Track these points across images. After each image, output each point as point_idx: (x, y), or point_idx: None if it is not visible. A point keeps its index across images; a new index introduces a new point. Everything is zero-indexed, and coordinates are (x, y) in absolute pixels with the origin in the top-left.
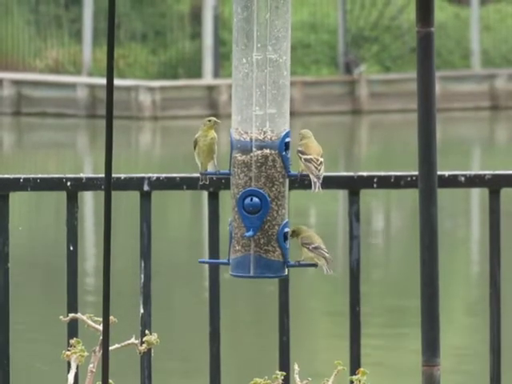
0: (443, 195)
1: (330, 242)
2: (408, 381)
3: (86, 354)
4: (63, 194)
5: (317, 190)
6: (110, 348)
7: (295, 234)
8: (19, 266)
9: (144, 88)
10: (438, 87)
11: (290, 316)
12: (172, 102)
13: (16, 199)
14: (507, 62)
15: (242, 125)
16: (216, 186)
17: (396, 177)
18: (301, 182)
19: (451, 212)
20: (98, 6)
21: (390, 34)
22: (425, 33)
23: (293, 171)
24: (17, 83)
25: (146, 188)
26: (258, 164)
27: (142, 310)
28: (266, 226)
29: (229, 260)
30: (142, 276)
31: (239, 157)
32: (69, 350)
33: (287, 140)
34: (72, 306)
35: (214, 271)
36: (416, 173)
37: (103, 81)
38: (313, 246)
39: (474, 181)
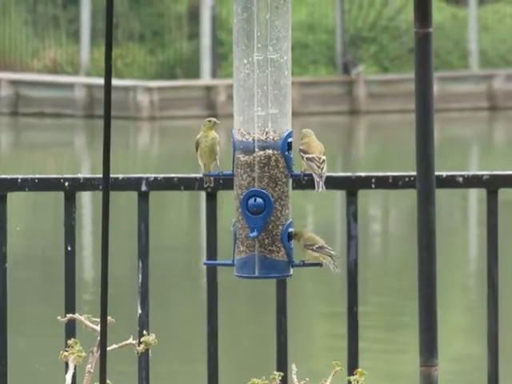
0: (441, 195)
1: (328, 243)
2: (406, 382)
3: (83, 354)
4: (61, 195)
5: (320, 189)
6: (108, 348)
7: (297, 237)
8: (17, 266)
9: (142, 88)
10: (436, 88)
11: (287, 316)
12: (170, 102)
13: (14, 199)
14: (505, 62)
15: (244, 125)
16: (214, 186)
17: (394, 177)
18: (299, 182)
19: (449, 212)
20: (95, 6)
21: (388, 34)
22: (423, 33)
23: (295, 170)
24: (15, 83)
25: (143, 188)
26: (261, 164)
27: (139, 311)
28: (270, 227)
29: (233, 261)
30: (140, 276)
31: (242, 157)
32: (67, 351)
33: (290, 140)
34: (70, 307)
35: (212, 271)
36: (414, 173)
37: (101, 81)
38: (317, 246)
39: (471, 181)
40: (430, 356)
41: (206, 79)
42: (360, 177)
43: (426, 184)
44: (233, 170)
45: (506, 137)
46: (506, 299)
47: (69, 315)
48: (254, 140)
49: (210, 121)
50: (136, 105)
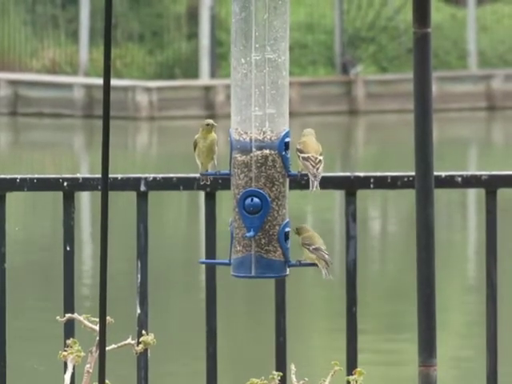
0: (440, 195)
1: (327, 243)
2: (405, 382)
3: (82, 354)
4: (60, 195)
5: (314, 189)
6: (107, 348)
7: (298, 232)
8: (16, 266)
9: (141, 88)
10: (435, 88)
11: (286, 316)
12: (169, 102)
13: (13, 199)
14: (504, 62)
15: (241, 125)
16: (213, 186)
17: (393, 177)
18: (297, 182)
19: (448, 212)
20: (94, 6)
21: (386, 34)
22: (421, 33)
23: (293, 170)
24: (13, 83)
25: (142, 188)
26: (258, 164)
27: (138, 311)
28: (267, 226)
29: (230, 260)
30: (139, 276)
31: (239, 157)
32: (65, 351)
33: (287, 140)
34: (69, 307)
35: (211, 271)
36: (413, 173)
37: (100, 81)
38: (313, 247)
39: (470, 181)
40: (429, 356)
41: (204, 79)
42: (359, 177)
43: (424, 184)
44: (230, 170)
45: (505, 137)
46: (505, 298)
47: (68, 315)
48: (251, 140)
49: (208, 124)
50: (135, 105)
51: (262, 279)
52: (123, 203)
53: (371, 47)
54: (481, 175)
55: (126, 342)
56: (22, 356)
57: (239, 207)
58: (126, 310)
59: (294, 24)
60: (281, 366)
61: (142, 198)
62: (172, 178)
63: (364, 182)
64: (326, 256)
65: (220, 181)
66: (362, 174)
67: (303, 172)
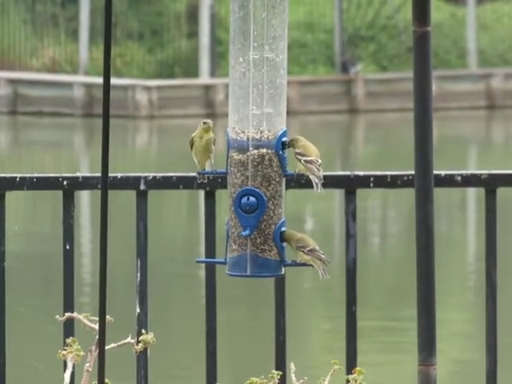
0: (439, 194)
1: (326, 242)
2: (405, 381)
3: (82, 353)
4: (60, 193)
5: (319, 190)
6: (107, 347)
7: (286, 238)
8: (15, 265)
9: (141, 87)
10: (435, 86)
11: (286, 315)
12: (169, 101)
13: (12, 198)
14: (504, 61)
15: (238, 124)
16: (212, 185)
17: (392, 176)
18: (297, 182)
19: (447, 211)
20: (94, 4)
21: (386, 33)
22: (421, 32)
23: (289, 170)
24: (13, 82)
25: (142, 187)
26: (255, 163)
27: (138, 310)
28: (263, 226)
29: (226, 259)
30: (139, 275)
31: (236, 156)
32: (65, 350)
33: (284, 139)
34: (68, 306)
35: (211, 270)
36: (412, 172)
37: (100, 80)
38: (308, 248)
39: (470, 180)
40: (429, 355)
41: (204, 78)
42: (358, 176)
43: (424, 183)
44: (226, 168)
45: (505, 136)
46: (505, 298)
47: (67, 314)
48: (248, 139)
49: (205, 122)
50: (135, 104)
51: (255, 278)
52: (123, 202)
53: (371, 46)
54: (480, 174)
55: (126, 341)
56: (21, 355)
57: (235, 206)
58: (125, 308)
59: (293, 23)
60: (280, 365)
61: (142, 196)
62: (172, 176)
63: (364, 181)
64: (322, 256)
65: (219, 180)
66: (361, 173)
67: (300, 172)
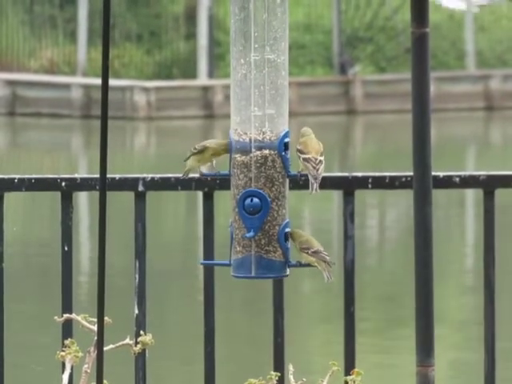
0: (438, 195)
1: (325, 243)
2: (403, 382)
3: (80, 354)
4: (58, 195)
5: (314, 191)
6: (105, 348)
7: (292, 237)
8: (14, 266)
9: (139, 88)
10: (433, 88)
11: (284, 316)
12: (167, 102)
13: (11, 199)
14: (502, 62)
15: (240, 126)
16: (211, 186)
17: (391, 177)
18: (296, 182)
19: (446, 212)
20: (92, 6)
21: (384, 34)
22: (420, 33)
23: (293, 170)
24: (11, 83)
25: (140, 188)
26: (258, 164)
27: (136, 311)
28: (267, 227)
29: (230, 261)
30: (137, 276)
31: (239, 157)
32: (63, 351)
33: (286, 140)
34: (67, 307)
35: (209, 272)
36: (411, 173)
37: (98, 81)
38: (312, 250)
39: (468, 181)
40: (427, 356)
41: (202, 79)
42: (357, 177)
43: (422, 184)
44: (229, 170)
45: (503, 137)
46: (503, 299)
47: (65, 315)
48: (250, 140)
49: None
50: (133, 105)
51: (260, 279)
52: (121, 203)
53: (369, 47)
54: (479, 175)
55: (124, 342)
56: (20, 356)
57: (239, 207)
58: (124, 310)
59: (292, 24)
60: (279, 366)
61: (140, 198)
62: (170, 178)
63: (362, 182)
64: (327, 257)
65: (218, 181)
66: (360, 174)
67: (304, 172)
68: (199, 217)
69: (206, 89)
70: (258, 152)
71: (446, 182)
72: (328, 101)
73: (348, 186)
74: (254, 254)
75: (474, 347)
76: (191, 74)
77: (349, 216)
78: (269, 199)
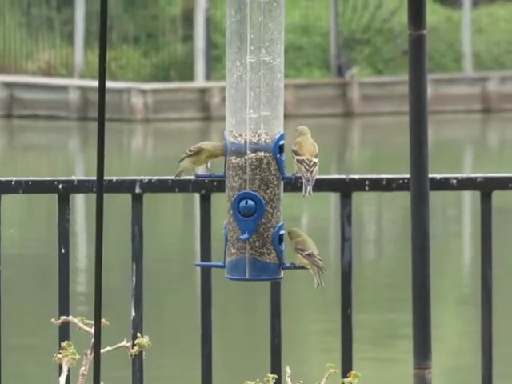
0: (435, 198)
1: (322, 245)
2: None
3: (77, 356)
4: (55, 197)
5: (307, 194)
6: (102, 351)
7: (290, 236)
8: (11, 268)
9: (136, 90)
10: (430, 90)
11: (281, 319)
12: (164, 104)
13: (8, 202)
14: (499, 64)
15: (236, 128)
16: (208, 188)
17: (388, 179)
18: (291, 184)
19: (443, 214)
20: (89, 8)
21: (381, 36)
22: (417, 35)
23: (288, 172)
24: (9, 85)
25: (137, 190)
26: (253, 167)
27: (133, 313)
28: (261, 229)
29: (224, 263)
30: (134, 278)
31: (234, 159)
32: (60, 353)
33: (281, 142)
34: (63, 309)
35: (206, 274)
36: (408, 175)
37: (95, 83)
38: (306, 252)
39: (465, 184)
40: (424, 358)
41: (200, 81)
42: (354, 179)
43: (419, 186)
44: (224, 172)
45: (500, 139)
46: (501, 302)
47: (62, 317)
48: (245, 142)
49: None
50: (130, 107)
51: (256, 282)
52: (118, 205)
53: (366, 49)
54: (476, 177)
55: (121, 344)
56: (16, 359)
57: (233, 210)
58: (120, 312)
59: (289, 26)
60: (276, 368)
61: (137, 200)
62: (167, 180)
63: (359, 184)
64: (320, 262)
65: (215, 183)
66: (357, 176)
67: (298, 175)
68: (196, 219)
69: (203, 91)
70: (253, 154)
71: (443, 184)
72: (325, 103)
73: (345, 188)
74: (248, 256)
75: (472, 350)
76: (188, 76)
77: (346, 218)
78: (263, 201)
